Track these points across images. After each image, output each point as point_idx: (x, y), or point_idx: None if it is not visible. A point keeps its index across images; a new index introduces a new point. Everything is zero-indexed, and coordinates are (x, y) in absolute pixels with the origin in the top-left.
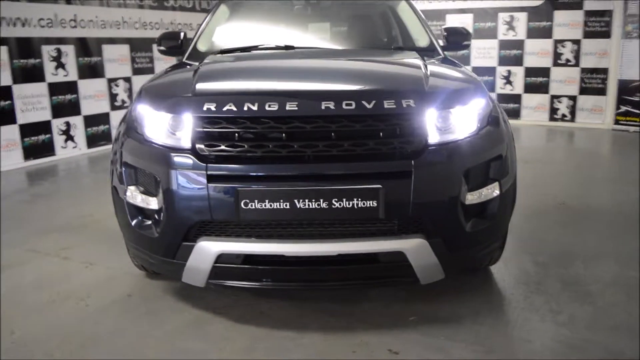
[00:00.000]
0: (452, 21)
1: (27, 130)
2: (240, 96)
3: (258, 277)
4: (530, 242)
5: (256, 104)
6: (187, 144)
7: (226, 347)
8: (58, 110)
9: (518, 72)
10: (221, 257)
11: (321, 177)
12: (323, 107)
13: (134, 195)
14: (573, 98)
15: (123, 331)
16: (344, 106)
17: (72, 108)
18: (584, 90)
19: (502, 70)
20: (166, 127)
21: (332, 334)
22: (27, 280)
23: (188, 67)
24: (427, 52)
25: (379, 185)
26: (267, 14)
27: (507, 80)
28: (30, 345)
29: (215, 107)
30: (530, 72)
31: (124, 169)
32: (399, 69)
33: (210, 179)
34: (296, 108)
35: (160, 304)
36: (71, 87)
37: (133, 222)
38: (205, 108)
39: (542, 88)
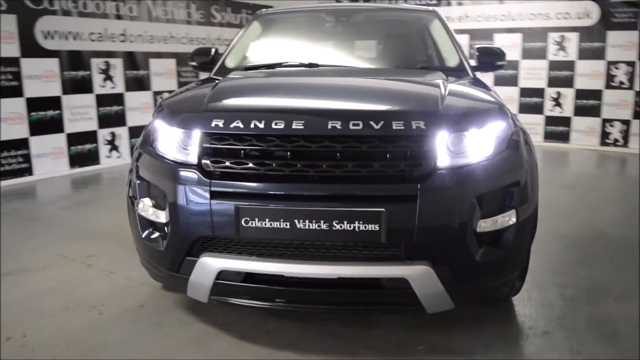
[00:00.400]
0: (501, 41)
1: (74, 139)
2: (248, 113)
3: (258, 296)
4: (561, 273)
5: (263, 122)
6: (194, 160)
7: None
8: (104, 121)
9: (568, 94)
10: (222, 274)
11: (322, 197)
12: (329, 127)
13: (146, 208)
14: (626, 122)
15: (128, 342)
16: (351, 126)
17: (118, 119)
18: (638, 115)
19: (551, 92)
20: (177, 142)
21: (335, 357)
22: (48, 285)
23: (209, 83)
24: (455, 73)
25: (382, 209)
26: (299, 31)
27: (557, 102)
28: (37, 350)
29: (223, 124)
30: (581, 94)
31: (137, 181)
32: (415, 89)
33: (213, 195)
34: (302, 127)
35: (170, 317)
36: (118, 99)
37: (143, 235)
38: (213, 124)
39: (594, 111)
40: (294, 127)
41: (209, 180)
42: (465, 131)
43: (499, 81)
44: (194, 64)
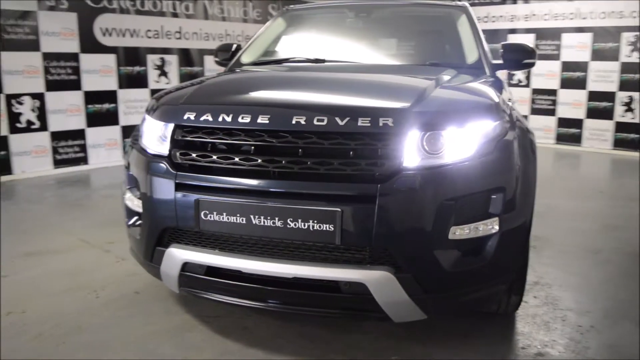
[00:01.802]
0: (569, 41)
1: (128, 131)
2: (218, 106)
3: (220, 291)
4: (581, 291)
5: (230, 116)
6: (166, 152)
7: (192, 357)
8: None
9: None
10: (187, 266)
11: (278, 194)
12: (294, 122)
13: (130, 198)
14: None
15: (109, 326)
16: (315, 122)
17: None
18: None
19: (622, 96)
20: (157, 135)
21: None
22: (63, 267)
23: (206, 78)
24: (469, 70)
25: (338, 209)
26: (319, 27)
27: (629, 107)
28: (27, 325)
29: (194, 117)
30: None
31: (126, 172)
32: (396, 85)
33: (178, 186)
34: (267, 122)
35: (159, 305)
36: None
37: (128, 223)
38: (185, 117)
39: None
40: (259, 121)
41: (175, 172)
42: (441, 130)
43: (566, 84)
44: (217, 59)
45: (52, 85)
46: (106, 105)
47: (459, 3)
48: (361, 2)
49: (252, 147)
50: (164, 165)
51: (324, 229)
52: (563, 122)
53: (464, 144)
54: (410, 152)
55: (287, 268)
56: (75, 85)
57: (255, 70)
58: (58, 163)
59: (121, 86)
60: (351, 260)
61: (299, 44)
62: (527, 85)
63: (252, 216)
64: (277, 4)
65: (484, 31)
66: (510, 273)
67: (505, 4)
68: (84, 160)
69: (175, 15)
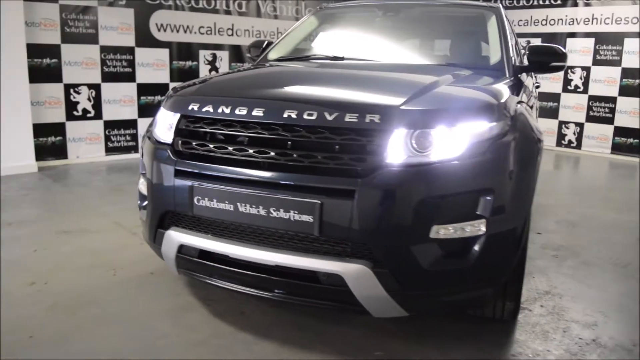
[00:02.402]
0: (632, 46)
1: None
2: (220, 98)
3: (211, 274)
4: (592, 305)
5: (229, 107)
6: (170, 140)
7: (186, 336)
8: None
9: None
10: (183, 248)
11: (263, 183)
12: (285, 115)
13: (142, 183)
14: None
15: (117, 301)
16: (305, 116)
17: None
18: None
19: None
20: (166, 124)
21: (287, 347)
22: (91, 246)
23: (219, 74)
24: (488, 71)
25: (317, 201)
26: (349, 25)
27: None
28: (47, 295)
29: (197, 108)
30: None
31: (140, 159)
32: (396, 84)
33: (177, 173)
34: (261, 114)
35: (168, 286)
36: None
37: (139, 206)
38: (189, 108)
39: None
40: (253, 113)
41: (175, 159)
42: (431, 128)
43: (626, 91)
44: (249, 55)
45: (107, 77)
46: (158, 98)
47: (492, 4)
48: (394, 1)
49: (246, 138)
50: (167, 152)
51: (304, 219)
52: (620, 131)
53: (453, 143)
54: (396, 148)
55: (269, 256)
56: (129, 77)
57: (267, 66)
58: (110, 150)
59: (173, 80)
60: (330, 252)
61: (326, 41)
62: (584, 92)
63: (239, 204)
64: (330, 2)
65: (543, 35)
66: (498, 277)
67: (565, 6)
68: (134, 148)
69: (228, 12)
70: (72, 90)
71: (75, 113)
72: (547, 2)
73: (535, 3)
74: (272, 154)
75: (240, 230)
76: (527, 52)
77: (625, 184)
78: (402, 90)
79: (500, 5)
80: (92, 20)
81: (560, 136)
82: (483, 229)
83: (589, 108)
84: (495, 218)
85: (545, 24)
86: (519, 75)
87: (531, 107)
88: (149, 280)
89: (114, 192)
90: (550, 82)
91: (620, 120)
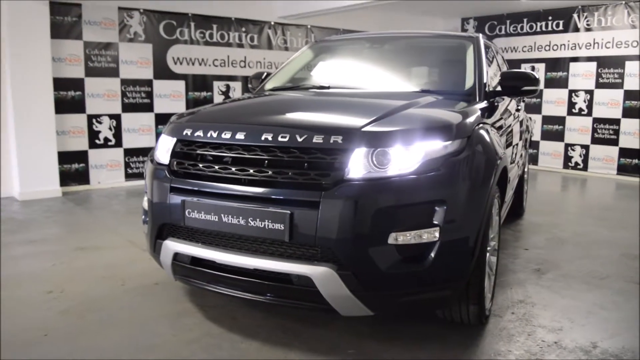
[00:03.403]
0: (632, 68)
1: None
2: (209, 124)
3: (202, 279)
4: (562, 313)
5: (217, 132)
6: (167, 161)
7: (180, 336)
8: None
9: None
10: (178, 256)
11: (243, 197)
12: (262, 138)
13: (145, 201)
14: None
15: (125, 308)
16: (279, 138)
17: None
18: None
19: None
20: (165, 148)
21: (269, 346)
22: (104, 261)
23: (214, 104)
24: (459, 96)
25: (287, 211)
26: (340, 57)
27: None
28: (61, 301)
29: (190, 133)
30: None
31: (144, 180)
32: (364, 109)
33: (171, 189)
34: (243, 137)
35: (170, 294)
36: None
37: (143, 221)
38: (184, 133)
39: None
40: (236, 137)
41: (171, 178)
42: (388, 147)
43: (629, 113)
44: (250, 86)
45: (127, 107)
46: None
47: (472, 34)
48: (385, 34)
49: (230, 158)
50: (164, 172)
51: (276, 227)
52: (625, 153)
53: (409, 160)
54: (357, 165)
55: (249, 260)
56: (148, 107)
57: (257, 96)
58: (129, 176)
59: (188, 108)
60: (300, 257)
61: (317, 71)
62: (589, 114)
63: (222, 215)
64: (338, 34)
65: (547, 60)
66: (454, 281)
67: (567, 32)
68: None
69: (240, 45)
70: (94, 120)
71: (97, 141)
72: (549, 29)
73: (539, 30)
74: (251, 171)
75: (226, 239)
76: (500, 78)
77: (625, 204)
78: (367, 114)
79: (479, 35)
80: (113, 55)
81: (567, 158)
82: (437, 235)
83: (594, 130)
84: (448, 227)
85: (549, 49)
86: (494, 99)
87: (499, 128)
88: (153, 290)
89: (130, 214)
90: (556, 106)
91: (625, 142)
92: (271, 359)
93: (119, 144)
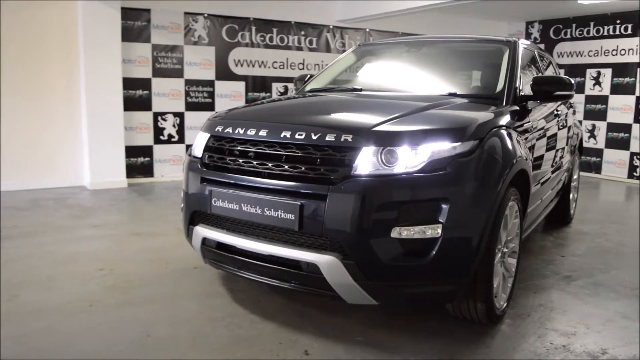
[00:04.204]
0: None
1: None
2: (238, 122)
3: (226, 262)
4: (579, 318)
5: (244, 129)
6: (200, 155)
7: (206, 313)
8: None
9: None
10: (206, 240)
11: (261, 189)
12: (282, 135)
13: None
14: None
15: (164, 286)
16: (296, 135)
17: None
18: None
19: None
20: (201, 143)
21: (284, 328)
22: (153, 245)
23: (250, 104)
24: (485, 100)
25: (298, 202)
26: (379, 60)
27: None
28: (110, 277)
29: (221, 129)
30: None
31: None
32: (381, 110)
33: (202, 180)
34: (265, 134)
35: (205, 277)
36: None
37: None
38: (216, 129)
39: None
40: (260, 134)
41: (202, 169)
42: (396, 147)
43: None
44: (295, 87)
45: (190, 106)
46: None
47: (511, 39)
48: (425, 38)
49: (253, 153)
50: (197, 164)
51: (288, 217)
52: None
53: (416, 159)
54: (365, 162)
55: (264, 247)
56: (209, 107)
57: (290, 97)
58: None
59: None
60: (310, 245)
61: (355, 75)
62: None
63: (242, 204)
64: (394, 37)
65: (613, 65)
66: (456, 276)
67: (636, 36)
68: None
69: (299, 48)
70: (159, 118)
71: (161, 137)
72: (617, 32)
73: (606, 33)
74: (270, 165)
75: (246, 226)
76: (531, 83)
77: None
78: (383, 115)
79: (517, 39)
80: (178, 57)
81: (632, 168)
82: (439, 231)
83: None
84: (451, 224)
85: (616, 54)
86: (525, 103)
87: (527, 131)
88: (191, 273)
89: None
90: (622, 113)
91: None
92: (282, 339)
93: (181, 140)
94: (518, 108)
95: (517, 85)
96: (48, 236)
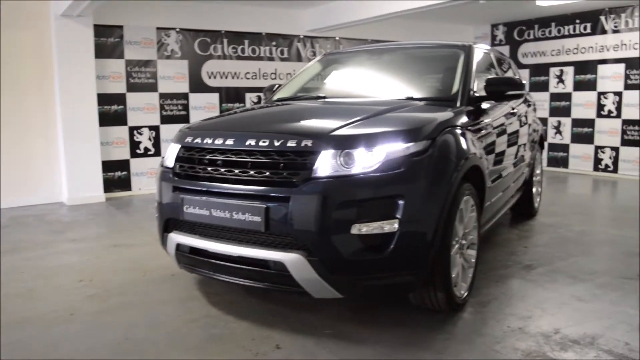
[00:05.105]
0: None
1: None
2: (208, 132)
3: (199, 266)
4: (538, 303)
5: (212, 139)
6: (172, 165)
7: (183, 316)
8: None
9: None
10: (180, 246)
11: (229, 194)
12: (247, 143)
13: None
14: None
15: (142, 294)
16: (260, 143)
17: None
18: None
19: None
20: (172, 154)
21: (256, 326)
22: (133, 256)
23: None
24: (440, 102)
25: (264, 205)
26: (342, 68)
27: None
28: (89, 288)
29: (191, 140)
30: None
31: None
32: (340, 115)
33: (174, 189)
34: (232, 143)
35: (182, 283)
36: None
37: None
38: (186, 140)
39: None
40: (227, 143)
41: (174, 178)
42: (353, 149)
43: None
44: (263, 97)
45: (165, 119)
46: None
47: (465, 43)
48: (386, 45)
49: (220, 161)
50: (169, 174)
51: (254, 219)
52: None
53: (372, 160)
54: (325, 165)
55: (234, 249)
56: (184, 119)
57: (257, 107)
58: None
59: None
60: (277, 245)
61: (321, 83)
62: (618, 116)
63: (212, 209)
64: (363, 44)
65: (575, 63)
66: (414, 268)
67: (595, 34)
68: None
69: (271, 59)
70: (135, 132)
71: (138, 151)
72: (577, 32)
73: (566, 33)
74: (236, 171)
75: (216, 230)
76: (484, 84)
77: None
78: (341, 121)
79: (471, 44)
80: (152, 71)
81: (597, 161)
82: (396, 226)
83: (624, 132)
84: (406, 219)
85: (577, 52)
86: (480, 104)
87: (481, 129)
88: (168, 279)
89: None
90: (585, 109)
91: None
92: (255, 335)
93: (158, 153)
94: (472, 108)
95: (472, 87)
96: (30, 251)
